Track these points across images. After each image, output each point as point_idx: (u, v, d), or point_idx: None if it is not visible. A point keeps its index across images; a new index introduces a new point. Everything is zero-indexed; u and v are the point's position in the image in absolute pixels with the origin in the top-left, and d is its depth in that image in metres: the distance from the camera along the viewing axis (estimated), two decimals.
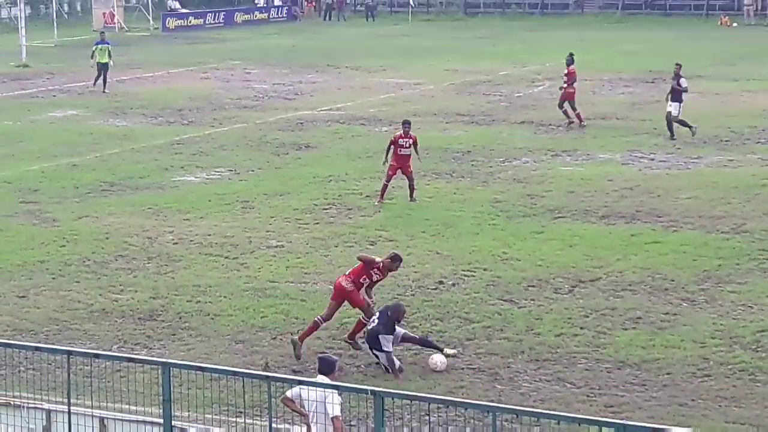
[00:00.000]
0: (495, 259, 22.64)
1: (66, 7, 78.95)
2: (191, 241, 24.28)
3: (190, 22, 75.57)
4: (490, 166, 31.15)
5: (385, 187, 27.13)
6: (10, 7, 70.73)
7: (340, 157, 32.60)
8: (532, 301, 20.25)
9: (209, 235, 24.72)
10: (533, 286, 21.03)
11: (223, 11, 78.78)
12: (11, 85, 48.67)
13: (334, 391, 12.22)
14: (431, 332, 18.58)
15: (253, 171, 31.12)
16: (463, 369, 17.38)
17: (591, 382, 16.79)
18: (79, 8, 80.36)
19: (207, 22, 76.21)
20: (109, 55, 45.28)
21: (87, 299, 20.67)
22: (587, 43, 61.18)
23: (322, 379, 12.87)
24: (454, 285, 21.21)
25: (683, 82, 34.35)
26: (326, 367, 13.15)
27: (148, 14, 75.50)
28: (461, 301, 20.30)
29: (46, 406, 13.44)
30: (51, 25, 67.56)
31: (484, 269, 21.97)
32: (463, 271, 21.94)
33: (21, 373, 14.82)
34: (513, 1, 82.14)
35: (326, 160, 32.37)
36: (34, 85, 48.05)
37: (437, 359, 17.34)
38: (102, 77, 45.33)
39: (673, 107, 34.33)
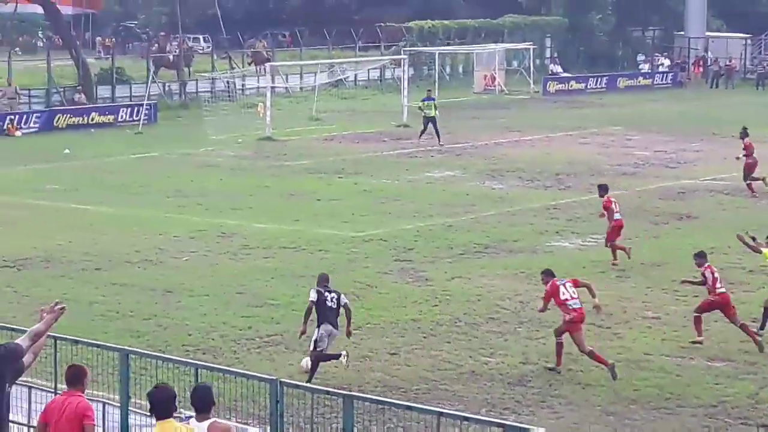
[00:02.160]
0: None
1: (448, 69, 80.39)
2: None
3: (571, 86, 75.42)
4: None
5: (613, 247, 27.70)
6: (393, 68, 72.63)
7: (723, 229, 31.16)
8: None
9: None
10: None
11: (606, 76, 78.17)
12: (391, 144, 49.82)
13: None
14: None
15: (629, 239, 30.25)
16: None
17: None
18: (460, 70, 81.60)
19: (589, 86, 75.80)
20: (435, 108, 48.71)
21: (457, 360, 20.50)
22: None
23: None
24: None
25: None
26: None
27: (529, 77, 75.85)
28: None
29: None
30: (432, 86, 68.92)
31: None
32: None
33: (389, 429, 14.73)
34: None
35: (708, 231, 31.13)
36: (412, 145, 48.88)
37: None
38: (433, 130, 48.36)
39: None
